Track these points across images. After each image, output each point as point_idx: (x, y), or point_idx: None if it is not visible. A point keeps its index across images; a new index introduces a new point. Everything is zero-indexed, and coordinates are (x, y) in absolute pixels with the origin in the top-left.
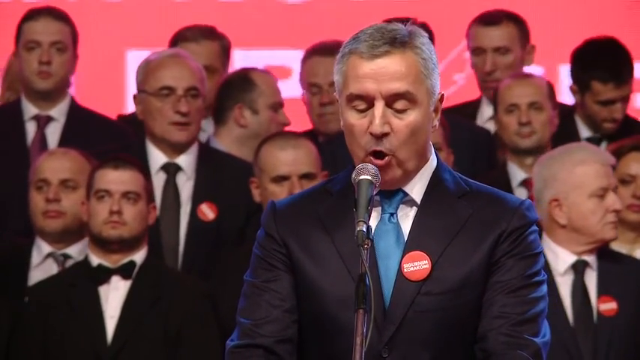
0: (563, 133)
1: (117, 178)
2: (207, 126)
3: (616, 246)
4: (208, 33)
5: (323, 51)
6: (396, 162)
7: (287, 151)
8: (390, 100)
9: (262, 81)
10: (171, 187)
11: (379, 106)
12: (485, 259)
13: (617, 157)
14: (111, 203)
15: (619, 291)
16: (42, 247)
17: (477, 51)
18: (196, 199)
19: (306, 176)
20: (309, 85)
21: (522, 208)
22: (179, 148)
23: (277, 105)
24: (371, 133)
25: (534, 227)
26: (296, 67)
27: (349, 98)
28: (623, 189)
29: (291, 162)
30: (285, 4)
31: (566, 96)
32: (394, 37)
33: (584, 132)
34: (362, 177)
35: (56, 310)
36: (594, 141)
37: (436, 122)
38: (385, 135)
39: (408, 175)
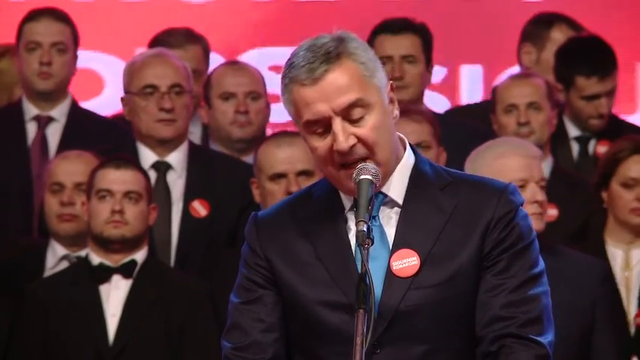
0: (553, 134)
1: (118, 178)
2: (194, 127)
3: (612, 246)
4: (191, 37)
5: None
6: (375, 163)
7: (283, 148)
8: (345, 113)
9: (213, 74)
10: (161, 185)
11: (337, 123)
12: (476, 251)
13: (617, 161)
14: (112, 203)
15: (552, 286)
16: (57, 250)
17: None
18: (188, 197)
19: (303, 173)
20: None
21: (507, 193)
22: (168, 146)
23: (226, 95)
24: (338, 151)
25: (522, 211)
26: None
27: (306, 125)
28: (625, 192)
29: (287, 159)
30: (189, 4)
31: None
32: (327, 52)
33: (573, 131)
34: (363, 177)
35: (57, 308)
36: (583, 140)
37: (396, 112)
38: (353, 147)
39: (385, 176)
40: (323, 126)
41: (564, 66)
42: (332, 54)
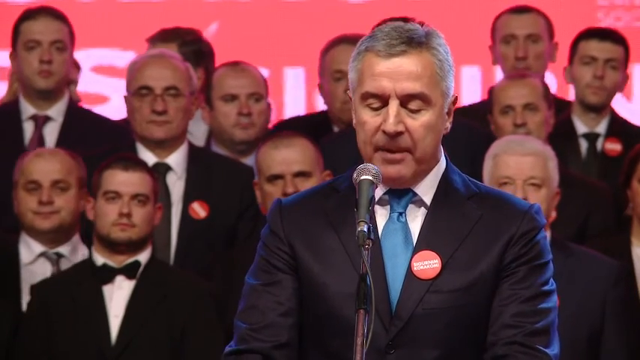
0: (561, 131)
1: (126, 180)
2: (194, 128)
3: (638, 247)
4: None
5: (349, 40)
6: (411, 159)
7: (280, 150)
8: (405, 99)
9: (215, 76)
10: (161, 187)
11: (394, 105)
12: (496, 262)
13: (637, 159)
14: (120, 205)
15: (563, 284)
16: (32, 246)
17: (507, 38)
18: (187, 198)
19: (300, 175)
20: (334, 72)
21: (532, 212)
22: (167, 148)
23: (228, 96)
24: (384, 131)
25: (543, 232)
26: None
27: (364, 96)
28: None
29: (283, 161)
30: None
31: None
32: (411, 37)
33: (581, 128)
34: (363, 177)
35: (60, 308)
36: (591, 137)
37: (448, 125)
38: (399, 134)
39: (419, 175)
40: (380, 102)
41: (574, 42)
42: (415, 40)
